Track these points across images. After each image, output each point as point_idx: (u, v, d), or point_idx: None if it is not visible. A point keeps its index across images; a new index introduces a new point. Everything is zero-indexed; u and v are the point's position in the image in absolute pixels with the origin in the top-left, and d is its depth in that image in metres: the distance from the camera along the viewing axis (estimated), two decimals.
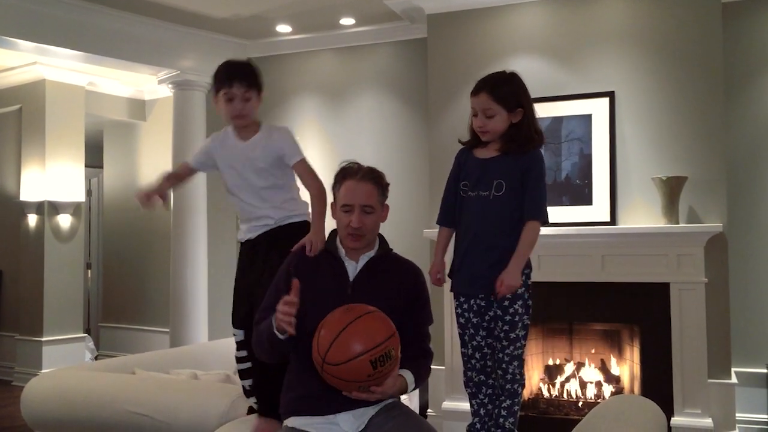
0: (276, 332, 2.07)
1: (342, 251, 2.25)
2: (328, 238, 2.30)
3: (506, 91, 2.42)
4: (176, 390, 2.72)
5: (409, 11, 5.36)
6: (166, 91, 6.47)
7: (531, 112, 2.44)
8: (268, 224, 2.49)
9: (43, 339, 6.58)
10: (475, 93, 2.45)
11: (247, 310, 2.44)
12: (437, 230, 2.65)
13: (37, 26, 5.12)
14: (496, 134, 2.44)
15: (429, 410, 4.93)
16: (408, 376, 2.12)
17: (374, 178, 2.23)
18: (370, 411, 2.11)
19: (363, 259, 2.24)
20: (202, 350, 3.99)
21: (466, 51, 5.01)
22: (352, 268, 2.23)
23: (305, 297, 2.09)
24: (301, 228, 2.46)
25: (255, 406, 2.44)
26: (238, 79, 2.45)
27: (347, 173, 2.23)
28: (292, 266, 2.23)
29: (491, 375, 2.46)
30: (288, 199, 2.52)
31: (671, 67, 4.50)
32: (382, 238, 2.32)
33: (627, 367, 4.65)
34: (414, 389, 2.17)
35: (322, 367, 1.97)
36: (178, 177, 2.64)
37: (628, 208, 4.54)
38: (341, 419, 2.09)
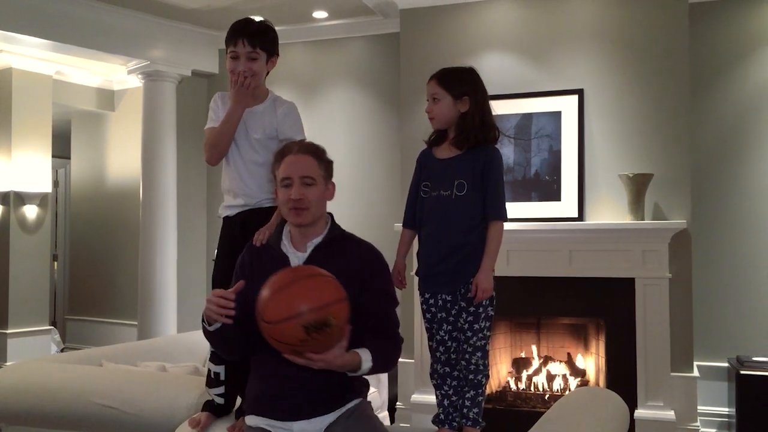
0: (204, 323, 2.06)
1: (286, 244, 2.17)
2: (274, 231, 2.21)
3: (453, 78, 2.52)
4: (144, 382, 2.71)
5: (382, 6, 5.37)
6: (136, 82, 6.40)
7: (482, 103, 2.50)
8: (247, 204, 2.39)
9: (8, 331, 6.47)
10: (428, 81, 2.56)
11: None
12: None
13: (4, 13, 5.03)
14: (442, 120, 2.52)
15: (398, 403, 4.96)
16: (364, 354, 2.02)
17: (313, 152, 2.16)
18: (328, 418, 2.07)
19: (309, 248, 2.15)
20: (171, 342, 3.97)
21: (439, 46, 5.04)
22: (298, 259, 2.14)
23: (249, 296, 2.01)
24: (271, 213, 2.41)
25: (217, 399, 2.38)
26: (244, 36, 2.35)
27: (285, 150, 2.18)
28: (244, 259, 2.21)
29: (456, 367, 2.50)
30: (270, 180, 2.39)
31: (639, 65, 4.58)
32: (333, 220, 2.23)
33: (593, 360, 4.73)
34: (372, 371, 2.06)
35: (260, 325, 1.91)
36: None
37: (596, 204, 4.61)
38: (297, 427, 2.06)
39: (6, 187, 6.54)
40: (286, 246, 2.17)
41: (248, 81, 2.28)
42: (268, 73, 2.48)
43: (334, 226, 2.22)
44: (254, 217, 2.32)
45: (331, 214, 2.24)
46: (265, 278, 1.95)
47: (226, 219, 2.47)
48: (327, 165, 2.20)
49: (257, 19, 2.47)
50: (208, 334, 2.10)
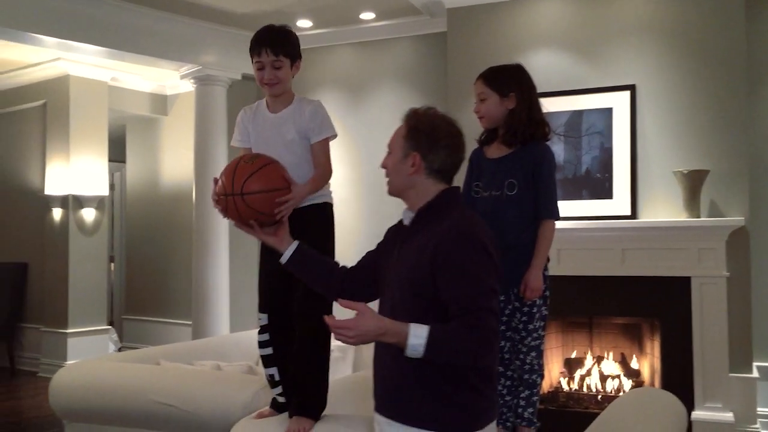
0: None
1: (409, 214, 2.04)
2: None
3: (498, 76, 2.52)
4: (200, 381, 2.77)
5: (429, 5, 5.37)
6: (188, 86, 6.52)
7: (529, 100, 2.48)
8: None
9: (68, 331, 6.68)
10: (475, 81, 2.56)
11: (273, 294, 2.43)
12: None
13: (61, 22, 5.19)
14: (490, 119, 2.52)
15: None
16: (417, 329, 1.71)
17: (407, 120, 2.09)
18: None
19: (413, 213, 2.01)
20: (225, 342, 4.04)
21: (486, 45, 5.01)
22: (407, 220, 2.03)
23: (377, 261, 2.10)
24: (322, 209, 2.44)
25: (279, 398, 2.43)
26: (266, 46, 2.39)
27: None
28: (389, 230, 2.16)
29: (509, 366, 2.48)
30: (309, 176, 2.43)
31: (693, 60, 4.48)
32: (445, 193, 1.99)
33: (647, 361, 4.65)
34: (432, 355, 1.71)
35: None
36: None
37: (649, 201, 4.52)
38: (377, 418, 1.96)
39: (65, 191, 6.75)
40: (408, 215, 2.04)
41: (287, 207, 2.27)
42: (293, 76, 2.50)
43: (440, 197, 1.97)
44: (296, 217, 2.32)
45: (451, 189, 2.00)
46: (389, 249, 2.03)
47: None
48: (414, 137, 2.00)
49: (277, 25, 2.49)
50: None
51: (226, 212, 2.19)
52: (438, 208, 1.95)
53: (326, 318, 1.71)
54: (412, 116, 2.03)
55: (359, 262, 2.18)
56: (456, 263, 1.80)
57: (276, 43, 2.39)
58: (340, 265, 2.21)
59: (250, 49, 2.43)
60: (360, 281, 2.14)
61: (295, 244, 2.17)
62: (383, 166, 2.07)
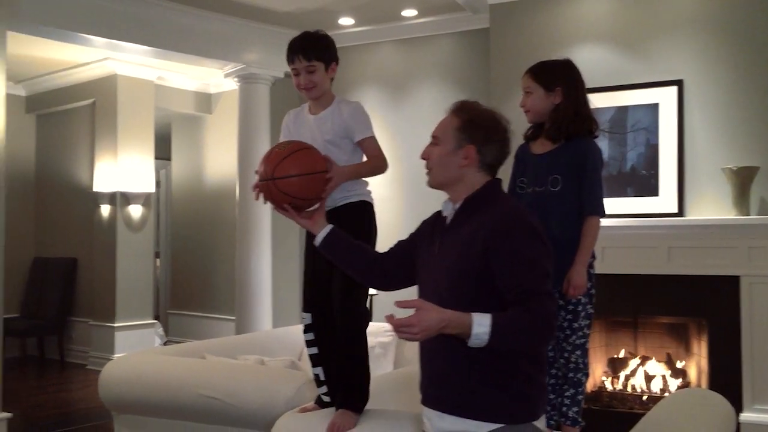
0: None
1: (450, 205, 2.02)
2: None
3: (545, 70, 2.51)
4: (245, 375, 2.81)
5: (471, 1, 5.34)
6: (232, 85, 6.61)
7: (576, 95, 2.45)
8: (328, 205, 2.42)
9: (116, 325, 6.83)
10: (523, 75, 2.55)
11: (316, 293, 2.46)
12: None
13: (109, 23, 5.30)
14: (536, 113, 2.50)
15: None
16: (480, 318, 1.69)
17: (456, 112, 2.09)
18: (447, 423, 1.85)
19: (458, 204, 1.98)
20: (268, 337, 4.09)
21: (529, 41, 4.97)
22: (448, 213, 2.01)
23: (410, 249, 2.13)
24: (358, 208, 2.46)
25: (324, 398, 2.45)
26: (298, 53, 2.43)
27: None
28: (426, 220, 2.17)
29: (554, 365, 2.46)
30: (346, 182, 2.45)
31: (742, 54, 4.37)
32: (491, 184, 1.98)
33: (694, 361, 4.56)
34: (496, 343, 1.70)
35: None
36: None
37: (697, 199, 4.43)
38: (426, 413, 1.94)
39: (112, 188, 6.90)
40: (448, 208, 2.02)
41: (331, 184, 2.32)
42: (332, 79, 2.52)
43: (486, 188, 1.96)
44: (332, 217, 2.34)
45: (496, 180, 1.99)
46: (425, 241, 2.05)
47: None
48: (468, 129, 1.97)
49: (311, 31, 2.52)
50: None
51: (264, 197, 2.24)
52: (484, 199, 1.94)
53: (387, 318, 1.69)
54: (464, 109, 2.00)
55: (390, 250, 2.21)
56: (511, 250, 1.79)
57: (307, 49, 2.43)
58: (373, 250, 2.25)
59: (286, 58, 2.49)
60: (389, 268, 2.17)
61: (329, 227, 2.20)
62: (425, 157, 2.04)
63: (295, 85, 2.48)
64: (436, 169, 2.00)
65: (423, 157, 2.04)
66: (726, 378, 4.25)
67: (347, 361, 2.36)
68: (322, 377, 2.43)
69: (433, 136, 2.03)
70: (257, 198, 2.24)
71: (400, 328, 1.66)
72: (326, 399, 2.43)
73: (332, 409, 2.34)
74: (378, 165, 2.47)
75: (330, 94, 2.52)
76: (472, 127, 1.96)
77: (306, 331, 2.49)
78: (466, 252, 1.85)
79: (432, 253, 1.98)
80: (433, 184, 2.03)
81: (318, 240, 2.20)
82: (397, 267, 2.16)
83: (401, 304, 1.71)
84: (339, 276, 2.35)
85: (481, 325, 1.67)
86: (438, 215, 2.07)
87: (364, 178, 2.52)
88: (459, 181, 1.97)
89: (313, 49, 2.44)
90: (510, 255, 1.79)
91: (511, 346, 1.75)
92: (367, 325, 2.40)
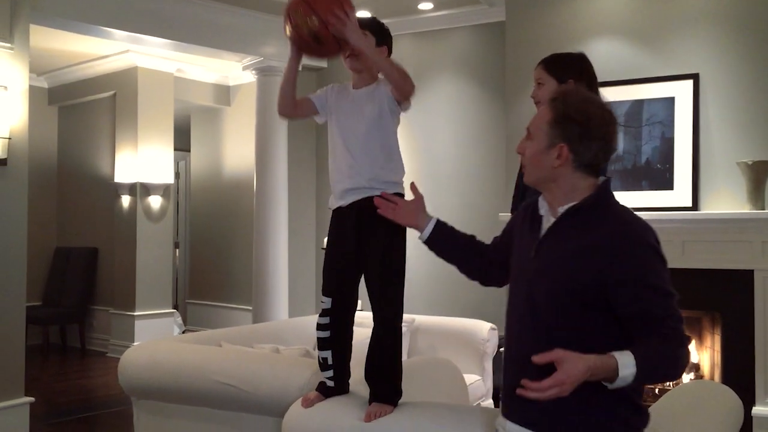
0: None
1: (545, 206, 1.82)
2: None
3: (558, 62, 2.51)
4: (260, 362, 2.87)
5: None
6: (250, 77, 6.67)
7: (588, 88, 2.45)
8: (359, 186, 2.40)
9: (135, 314, 6.95)
10: (535, 66, 2.56)
11: (340, 278, 2.47)
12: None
13: (130, 16, 5.38)
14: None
15: None
16: (624, 357, 1.53)
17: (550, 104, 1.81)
18: None
19: (560, 212, 1.76)
20: (283, 327, 4.15)
21: (545, 34, 4.98)
22: (548, 224, 1.79)
23: (507, 245, 1.96)
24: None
25: (328, 382, 2.48)
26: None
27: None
28: (518, 213, 1.98)
29: None
30: (384, 165, 2.45)
31: (758, 48, 4.35)
32: (602, 188, 1.74)
33: (707, 354, 4.57)
34: (642, 380, 1.57)
35: None
36: (293, 86, 2.52)
37: (712, 193, 4.43)
38: (507, 426, 1.79)
39: (133, 178, 7.00)
40: (544, 207, 1.82)
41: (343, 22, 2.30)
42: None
43: (598, 194, 1.73)
44: (368, 206, 2.32)
45: (603, 184, 1.76)
46: (519, 239, 1.87)
47: (338, 209, 2.52)
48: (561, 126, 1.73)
49: (366, 17, 2.56)
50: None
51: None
52: (591, 208, 1.71)
53: (525, 386, 1.52)
54: (560, 100, 1.74)
55: (494, 242, 2.06)
56: (635, 277, 1.62)
57: (364, 24, 2.43)
58: (478, 240, 2.10)
59: None
60: (496, 262, 2.03)
61: (434, 220, 2.08)
62: (519, 151, 1.82)
63: (344, 57, 2.46)
64: (529, 167, 1.79)
65: (518, 151, 1.84)
66: (739, 371, 4.25)
67: (384, 354, 2.37)
68: (330, 361, 2.46)
69: (527, 129, 1.80)
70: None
71: (548, 391, 1.50)
72: (330, 384, 2.45)
73: (340, 398, 2.38)
74: (406, 79, 2.43)
75: (375, 75, 2.53)
76: (566, 121, 1.70)
77: (322, 314, 2.51)
78: (572, 269, 1.66)
79: (527, 257, 1.78)
80: (527, 181, 1.83)
81: (424, 236, 2.08)
82: (501, 261, 1.99)
83: (540, 359, 1.55)
84: (375, 267, 2.35)
85: (626, 366, 1.53)
86: (531, 210, 1.86)
87: (400, 167, 2.51)
88: (553, 181, 1.75)
89: (369, 25, 2.48)
90: (633, 282, 1.62)
91: (653, 381, 1.67)
92: (402, 318, 2.43)
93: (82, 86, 7.57)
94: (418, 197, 2.10)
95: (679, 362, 1.62)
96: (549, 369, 1.53)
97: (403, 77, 2.40)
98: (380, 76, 2.51)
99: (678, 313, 1.65)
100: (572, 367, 1.50)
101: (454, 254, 2.09)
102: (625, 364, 1.52)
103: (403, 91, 2.42)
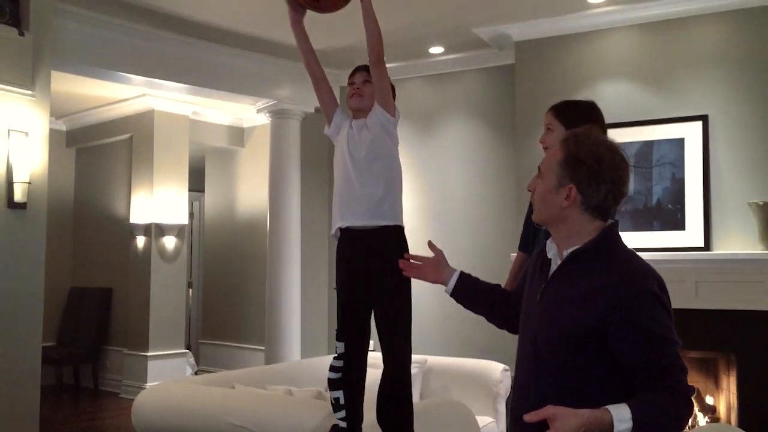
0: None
1: (553, 247, 1.80)
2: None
3: (569, 109, 2.56)
4: (273, 404, 2.88)
5: (497, 39, 5.45)
6: (264, 119, 6.78)
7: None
8: (360, 214, 2.50)
9: (149, 354, 6.94)
10: (546, 112, 2.62)
11: (352, 323, 2.52)
12: None
13: (147, 62, 5.52)
14: None
15: None
16: (618, 410, 1.50)
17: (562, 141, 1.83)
18: None
19: (564, 255, 1.75)
20: (296, 368, 4.16)
21: (554, 77, 5.05)
22: (555, 266, 1.78)
23: (521, 288, 1.95)
24: (397, 232, 2.53)
25: (340, 423, 2.49)
26: (361, 70, 2.75)
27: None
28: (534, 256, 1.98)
29: None
30: (384, 197, 2.54)
31: (767, 89, 4.39)
32: (607, 231, 1.72)
33: (724, 397, 4.52)
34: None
35: None
36: (306, 41, 2.97)
37: (723, 233, 4.43)
38: None
39: (148, 219, 7.07)
40: (552, 250, 1.81)
41: None
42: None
43: (602, 237, 1.71)
44: (372, 238, 2.41)
45: (609, 227, 1.74)
46: (530, 281, 1.87)
47: (342, 256, 2.60)
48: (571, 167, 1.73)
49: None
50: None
51: None
52: (595, 252, 1.70)
53: None
54: (572, 140, 1.73)
55: (515, 288, 2.04)
56: (637, 328, 1.59)
57: (368, 69, 2.72)
58: (502, 288, 2.10)
59: (349, 76, 2.83)
60: (510, 312, 2.02)
61: (457, 273, 2.06)
62: (530, 189, 1.84)
63: (348, 95, 2.73)
64: (538, 205, 1.79)
65: (528, 189, 1.85)
66: (756, 414, 4.21)
67: (398, 402, 2.41)
68: (342, 401, 2.48)
69: (539, 168, 1.81)
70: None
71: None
72: (343, 424, 2.47)
73: None
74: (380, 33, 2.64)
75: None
76: (576, 162, 1.69)
77: (337, 357, 2.55)
78: (573, 316, 1.65)
79: (534, 301, 1.78)
80: (536, 219, 1.83)
81: (449, 289, 2.06)
82: (518, 312, 1.96)
83: (531, 418, 1.53)
84: (384, 314, 2.43)
85: (622, 421, 1.50)
86: (543, 253, 1.85)
87: (400, 204, 2.61)
88: (561, 222, 1.74)
89: (366, 68, 2.75)
90: (635, 334, 1.59)
91: None
92: (411, 361, 2.47)
93: (100, 129, 7.70)
94: (438, 253, 2.08)
95: (680, 416, 1.57)
96: (546, 423, 1.51)
97: (379, 31, 2.64)
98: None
99: (680, 363, 1.61)
100: (564, 424, 1.48)
101: (478, 304, 2.09)
102: (621, 418, 1.49)
103: (377, 48, 2.64)
